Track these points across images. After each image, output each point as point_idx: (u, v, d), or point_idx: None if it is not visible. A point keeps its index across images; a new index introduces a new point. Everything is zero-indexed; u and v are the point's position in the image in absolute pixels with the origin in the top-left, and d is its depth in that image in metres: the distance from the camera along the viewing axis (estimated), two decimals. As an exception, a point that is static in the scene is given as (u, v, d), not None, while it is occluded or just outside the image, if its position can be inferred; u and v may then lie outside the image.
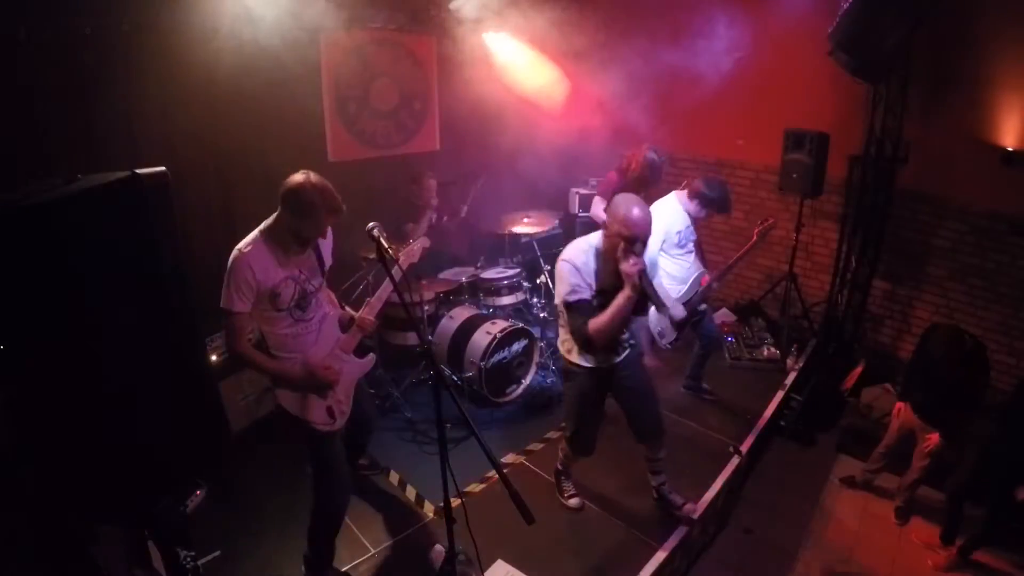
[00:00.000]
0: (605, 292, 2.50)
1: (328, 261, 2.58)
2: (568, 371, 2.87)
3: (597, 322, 2.43)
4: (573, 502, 3.29)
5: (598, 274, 2.53)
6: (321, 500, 2.58)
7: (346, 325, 2.67)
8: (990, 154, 3.87)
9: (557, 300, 2.61)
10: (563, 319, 2.68)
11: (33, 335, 1.37)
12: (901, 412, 3.42)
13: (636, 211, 2.35)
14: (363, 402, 2.85)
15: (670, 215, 3.70)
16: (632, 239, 2.32)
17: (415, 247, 2.92)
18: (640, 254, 2.38)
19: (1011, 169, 3.81)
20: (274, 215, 2.34)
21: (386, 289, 2.63)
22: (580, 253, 2.54)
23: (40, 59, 2.93)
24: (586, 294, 2.49)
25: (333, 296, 2.76)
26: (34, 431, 1.46)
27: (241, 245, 2.27)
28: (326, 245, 2.56)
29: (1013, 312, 4.07)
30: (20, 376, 1.40)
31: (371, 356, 2.75)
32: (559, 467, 3.33)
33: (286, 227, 2.30)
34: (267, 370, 2.40)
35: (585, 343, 2.56)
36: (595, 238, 2.58)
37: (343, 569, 2.81)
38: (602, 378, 2.81)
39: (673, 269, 3.77)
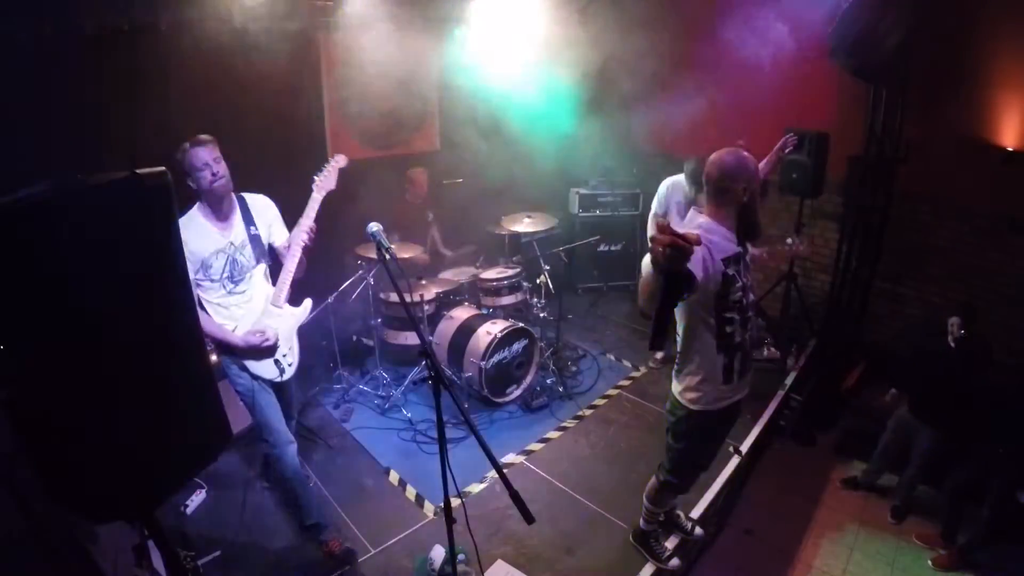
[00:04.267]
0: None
1: (266, 236, 2.64)
2: (690, 429, 2.43)
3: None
4: (674, 563, 2.90)
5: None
6: (272, 459, 2.78)
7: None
8: (990, 154, 3.87)
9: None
10: (689, 355, 2.32)
11: (32, 335, 1.37)
12: (894, 399, 3.46)
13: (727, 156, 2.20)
14: (289, 409, 2.92)
15: (673, 185, 4.00)
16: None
17: (330, 172, 2.68)
18: None
19: (1011, 169, 3.81)
20: None
21: (313, 203, 2.62)
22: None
23: (41, 59, 2.93)
24: None
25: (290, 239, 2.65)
26: (33, 431, 1.46)
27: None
28: (260, 219, 2.62)
29: (1013, 312, 4.07)
30: (19, 376, 1.39)
31: (307, 302, 2.78)
32: (645, 528, 2.91)
33: (198, 195, 2.43)
34: (211, 333, 2.48)
35: None
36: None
37: (341, 572, 2.82)
38: (732, 415, 2.51)
39: None
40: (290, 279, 2.62)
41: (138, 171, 1.53)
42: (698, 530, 3.07)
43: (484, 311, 4.41)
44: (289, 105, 3.92)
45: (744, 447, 3.64)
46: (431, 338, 4.21)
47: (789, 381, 4.35)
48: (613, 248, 5.94)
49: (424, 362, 1.94)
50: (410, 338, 4.25)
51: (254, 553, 2.90)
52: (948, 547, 3.14)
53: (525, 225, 4.67)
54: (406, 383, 4.21)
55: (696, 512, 3.18)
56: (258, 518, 3.11)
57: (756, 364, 4.77)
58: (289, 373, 2.71)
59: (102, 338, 1.47)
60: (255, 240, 2.58)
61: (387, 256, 2.15)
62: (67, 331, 1.40)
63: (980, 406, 3.21)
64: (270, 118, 3.80)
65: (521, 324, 4.18)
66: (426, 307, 4.12)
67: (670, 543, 2.97)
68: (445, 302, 4.45)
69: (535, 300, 4.60)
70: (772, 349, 4.89)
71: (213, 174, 2.40)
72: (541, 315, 4.54)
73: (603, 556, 2.98)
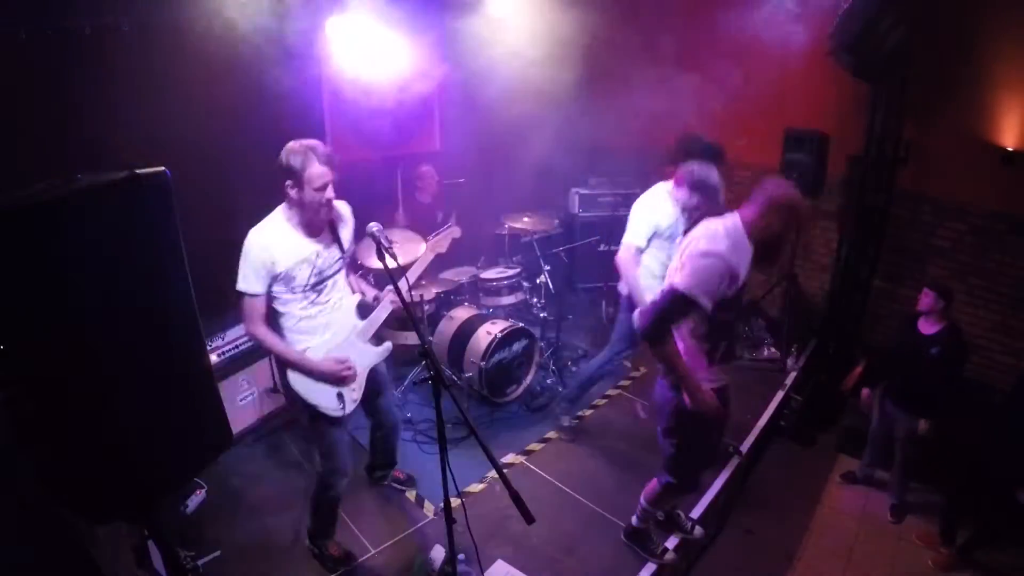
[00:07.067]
0: None
1: (349, 245, 2.54)
2: (680, 423, 2.44)
3: None
4: (670, 557, 2.93)
5: None
6: (321, 482, 2.66)
7: (366, 311, 2.64)
8: (990, 154, 3.87)
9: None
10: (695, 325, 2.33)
11: (32, 335, 1.37)
12: (868, 399, 3.48)
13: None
14: (383, 396, 2.85)
15: (659, 207, 3.41)
16: None
17: (444, 237, 2.86)
18: None
19: (1011, 169, 3.81)
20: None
21: (422, 261, 2.73)
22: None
23: (41, 59, 2.93)
24: None
25: (358, 281, 2.73)
26: (33, 431, 1.46)
27: (256, 227, 2.29)
28: (345, 228, 2.51)
29: (1013, 312, 4.06)
30: (19, 376, 1.39)
31: (387, 344, 2.74)
32: (640, 525, 2.94)
33: (296, 204, 2.28)
34: (283, 355, 2.39)
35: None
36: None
37: (341, 572, 2.82)
38: (725, 399, 2.47)
39: (656, 266, 3.44)
40: (380, 322, 2.62)
41: (138, 171, 1.53)
42: (698, 530, 3.08)
43: (484, 311, 4.41)
44: (289, 104, 3.92)
45: (744, 447, 3.64)
46: (431, 338, 4.21)
47: (789, 381, 4.35)
48: (613, 248, 5.88)
49: (424, 362, 1.94)
50: (410, 338, 4.24)
51: (254, 553, 2.90)
52: (948, 547, 3.14)
53: (525, 225, 4.67)
54: (406, 383, 4.21)
55: (696, 512, 3.18)
56: (258, 518, 3.12)
57: (756, 364, 4.83)
58: (349, 409, 2.54)
59: (102, 338, 1.47)
60: (340, 247, 2.45)
61: (387, 255, 2.15)
62: (67, 331, 1.41)
63: (955, 391, 3.23)
64: (270, 117, 3.80)
65: (521, 324, 4.18)
66: (426, 307, 4.11)
67: (670, 543, 2.97)
68: (445, 302, 4.45)
69: (535, 300, 4.60)
70: (772, 349, 4.89)
71: (328, 201, 2.26)
72: (541, 315, 4.54)
73: (603, 556, 2.98)
